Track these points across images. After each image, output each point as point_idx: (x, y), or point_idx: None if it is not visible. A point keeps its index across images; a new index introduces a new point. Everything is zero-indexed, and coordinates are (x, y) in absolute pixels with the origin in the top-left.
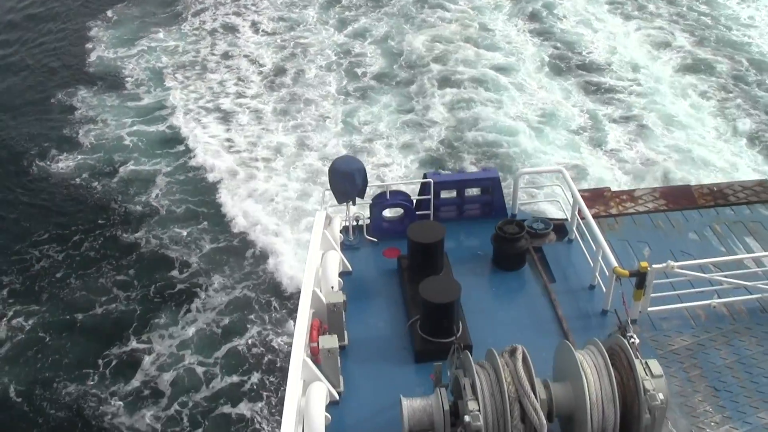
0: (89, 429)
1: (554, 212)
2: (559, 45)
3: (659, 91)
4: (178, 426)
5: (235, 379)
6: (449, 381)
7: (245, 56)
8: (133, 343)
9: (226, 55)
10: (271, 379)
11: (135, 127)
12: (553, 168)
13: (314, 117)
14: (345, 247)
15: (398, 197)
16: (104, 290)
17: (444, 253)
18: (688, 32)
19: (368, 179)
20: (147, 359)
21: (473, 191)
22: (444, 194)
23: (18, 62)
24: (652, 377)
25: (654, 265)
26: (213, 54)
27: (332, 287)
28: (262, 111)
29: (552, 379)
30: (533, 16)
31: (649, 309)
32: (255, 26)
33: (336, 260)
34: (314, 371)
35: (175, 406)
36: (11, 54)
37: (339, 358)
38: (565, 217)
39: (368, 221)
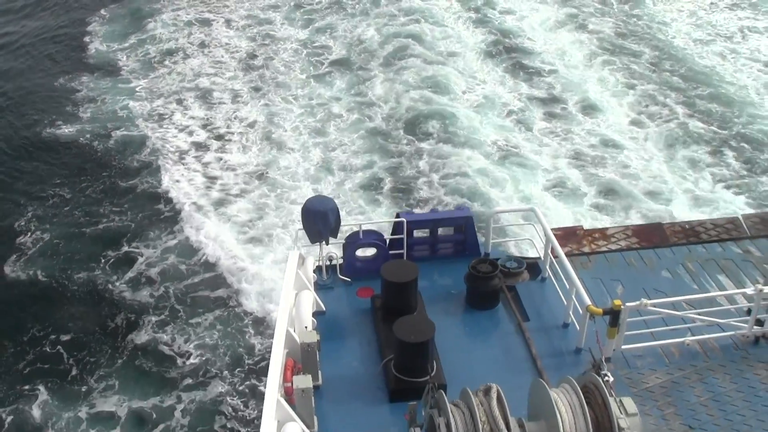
0: None
1: (527, 251)
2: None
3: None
4: None
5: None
6: (424, 420)
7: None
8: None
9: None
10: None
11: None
12: (526, 207)
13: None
14: (318, 286)
15: (371, 237)
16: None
17: (418, 293)
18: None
19: (341, 219)
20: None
21: (446, 230)
22: (417, 233)
23: (24, 49)
24: (627, 415)
25: (627, 303)
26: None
27: (306, 327)
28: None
29: (527, 418)
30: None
31: (623, 347)
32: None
33: (309, 300)
34: (288, 411)
35: None
36: (17, 41)
37: (313, 398)
38: (538, 255)
39: (341, 261)
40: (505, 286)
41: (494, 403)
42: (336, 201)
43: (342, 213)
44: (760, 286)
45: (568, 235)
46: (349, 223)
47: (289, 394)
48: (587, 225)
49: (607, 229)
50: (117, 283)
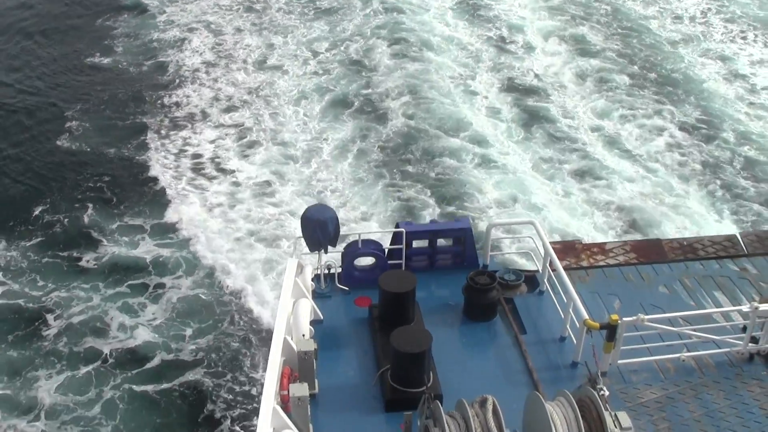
0: None
1: (526, 264)
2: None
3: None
4: None
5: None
6: (419, 431)
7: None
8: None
9: None
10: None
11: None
12: (525, 220)
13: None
14: (316, 295)
15: (370, 246)
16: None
17: (415, 303)
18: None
19: (340, 228)
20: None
21: (445, 241)
22: (416, 244)
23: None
24: (621, 430)
25: (624, 318)
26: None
27: (303, 335)
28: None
29: (522, 431)
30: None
31: (619, 361)
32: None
33: (307, 308)
34: (284, 419)
35: None
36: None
37: (309, 406)
38: (536, 268)
39: (340, 270)
40: (503, 298)
41: (490, 414)
42: (335, 210)
43: (341, 222)
44: (755, 304)
45: (566, 249)
46: (348, 233)
47: (285, 402)
48: (586, 239)
49: (605, 243)
50: (106, 287)
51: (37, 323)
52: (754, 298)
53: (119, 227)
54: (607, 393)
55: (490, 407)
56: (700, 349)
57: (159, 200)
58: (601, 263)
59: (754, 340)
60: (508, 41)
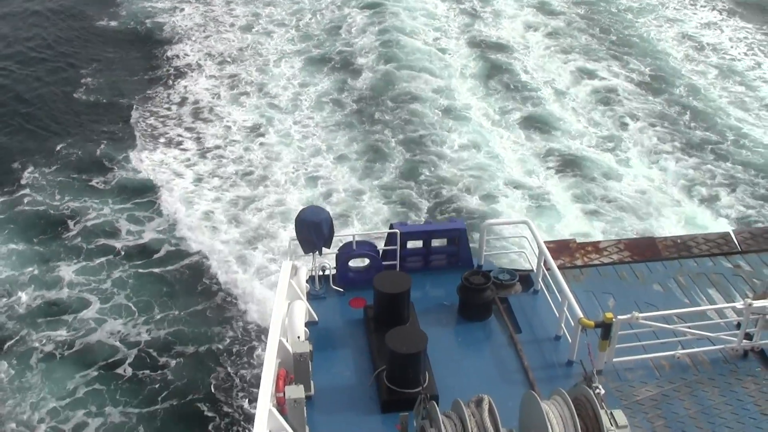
0: None
1: (520, 263)
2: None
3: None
4: None
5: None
6: (415, 431)
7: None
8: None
9: None
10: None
11: None
12: (519, 219)
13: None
14: (311, 296)
15: (364, 247)
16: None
17: (410, 304)
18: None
19: (335, 229)
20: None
21: (439, 242)
22: (410, 244)
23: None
24: (617, 428)
25: (619, 316)
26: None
27: (298, 337)
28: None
29: (518, 430)
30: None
31: (614, 359)
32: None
33: (302, 310)
34: (280, 421)
35: None
36: None
37: (305, 408)
38: (530, 267)
39: (334, 271)
40: (498, 298)
41: (486, 414)
42: (329, 211)
43: (335, 223)
44: (749, 301)
45: (560, 248)
46: (342, 234)
47: (281, 405)
48: (580, 238)
49: (599, 242)
50: (114, 203)
51: (59, 227)
52: (747, 294)
53: (125, 158)
54: (602, 391)
55: (486, 407)
56: (694, 347)
57: (159, 138)
58: (596, 262)
59: (748, 336)
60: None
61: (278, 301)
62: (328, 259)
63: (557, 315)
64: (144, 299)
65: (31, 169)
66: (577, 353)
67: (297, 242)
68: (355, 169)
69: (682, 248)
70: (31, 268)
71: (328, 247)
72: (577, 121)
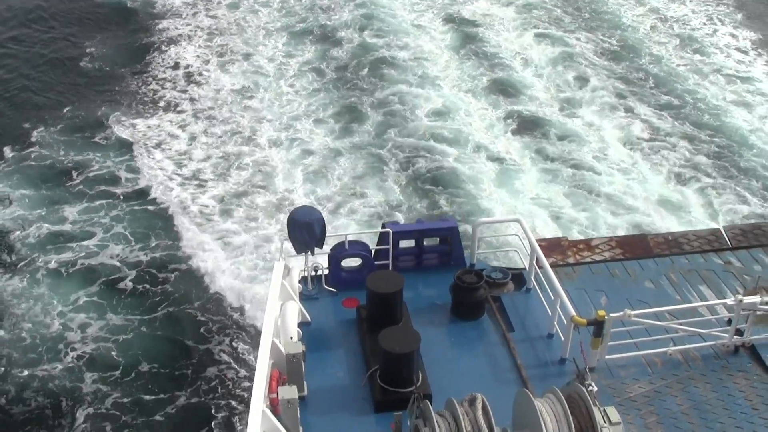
0: None
1: (512, 262)
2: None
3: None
4: None
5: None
6: (409, 431)
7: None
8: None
9: None
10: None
11: None
12: (511, 218)
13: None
14: (304, 297)
15: (357, 247)
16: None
17: (403, 303)
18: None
19: (327, 229)
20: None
21: (432, 241)
22: (402, 244)
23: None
24: (611, 425)
25: (611, 314)
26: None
27: (291, 337)
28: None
29: (511, 428)
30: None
31: (607, 357)
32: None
33: (295, 310)
34: (274, 422)
35: None
36: None
37: (298, 409)
38: (523, 266)
39: (327, 271)
40: (490, 296)
41: (479, 413)
42: (322, 211)
43: (327, 223)
44: (740, 297)
45: (552, 246)
46: (334, 234)
47: (274, 405)
48: (572, 236)
49: (591, 240)
50: (116, 156)
51: (64, 176)
52: (738, 291)
53: (123, 118)
54: (595, 388)
55: (479, 405)
56: (686, 343)
57: (153, 101)
58: (588, 260)
59: (740, 332)
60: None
61: (271, 301)
62: (320, 260)
63: (550, 313)
64: (140, 231)
65: (40, 128)
66: (569, 351)
67: (289, 242)
68: (333, 130)
69: (673, 245)
70: (39, 210)
71: (321, 247)
72: (543, 87)
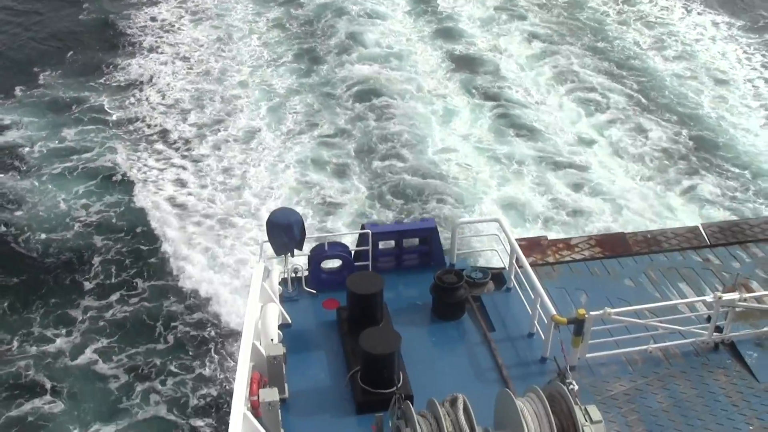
0: None
1: (492, 261)
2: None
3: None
4: None
5: None
6: None
7: None
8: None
9: None
10: None
11: None
12: (491, 218)
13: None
14: (284, 299)
15: (337, 248)
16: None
17: (383, 304)
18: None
19: (306, 231)
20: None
21: (411, 241)
22: (382, 245)
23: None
24: (592, 423)
25: (591, 312)
26: None
27: (272, 340)
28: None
29: (493, 428)
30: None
31: (588, 355)
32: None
33: (275, 312)
34: (255, 425)
35: None
36: None
37: (280, 411)
38: (503, 266)
39: (307, 273)
40: (471, 296)
41: (461, 413)
42: (300, 213)
43: (307, 225)
44: (719, 294)
45: (532, 246)
46: (314, 235)
47: (255, 408)
48: (551, 236)
49: (570, 239)
50: (97, 136)
51: (64, 109)
52: (717, 288)
53: (117, 63)
54: (576, 387)
55: (461, 406)
56: (666, 341)
57: (141, 44)
58: (567, 259)
59: (719, 329)
60: None
61: (251, 303)
62: (300, 261)
63: (530, 312)
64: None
65: (46, 72)
66: (550, 350)
67: (269, 244)
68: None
69: (652, 243)
70: (44, 132)
71: (300, 249)
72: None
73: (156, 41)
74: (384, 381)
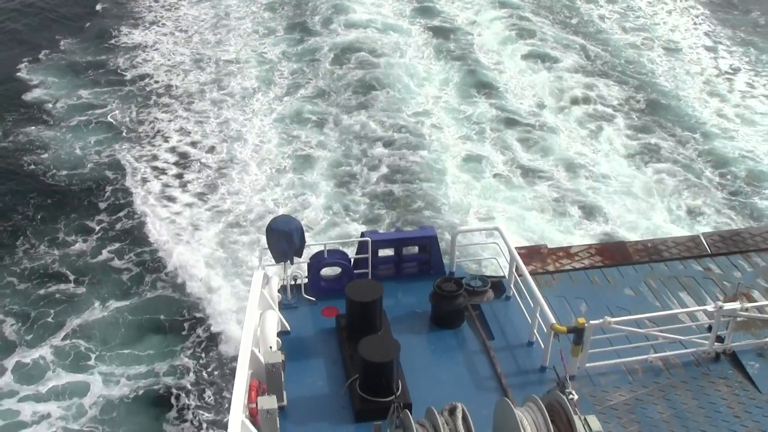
0: None
1: (492, 270)
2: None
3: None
4: None
5: None
6: None
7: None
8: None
9: None
10: None
11: None
12: (490, 226)
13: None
14: (283, 306)
15: (336, 256)
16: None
17: (382, 312)
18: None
19: (306, 238)
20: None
21: (411, 249)
22: (382, 253)
23: None
24: None
25: (591, 321)
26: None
27: (270, 347)
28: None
29: None
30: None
31: (587, 365)
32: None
33: (274, 320)
34: None
35: None
36: None
37: (278, 419)
38: (502, 274)
39: (306, 280)
40: (470, 304)
41: (459, 422)
42: (300, 221)
43: (306, 233)
44: (720, 303)
45: (532, 254)
46: (313, 243)
47: (253, 415)
48: (551, 244)
49: (570, 247)
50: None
51: (81, 72)
52: (718, 297)
53: (116, 37)
54: (576, 397)
55: (459, 414)
56: (666, 350)
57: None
58: (567, 267)
59: (720, 339)
60: None
61: (250, 311)
62: (299, 269)
63: (530, 321)
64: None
65: (67, 39)
66: (550, 359)
67: (268, 251)
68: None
69: (652, 252)
70: (64, 91)
71: (300, 256)
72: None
73: (156, 17)
74: (383, 389)
